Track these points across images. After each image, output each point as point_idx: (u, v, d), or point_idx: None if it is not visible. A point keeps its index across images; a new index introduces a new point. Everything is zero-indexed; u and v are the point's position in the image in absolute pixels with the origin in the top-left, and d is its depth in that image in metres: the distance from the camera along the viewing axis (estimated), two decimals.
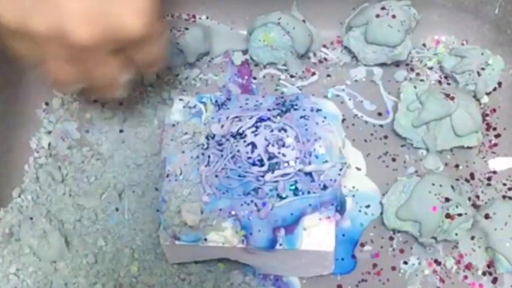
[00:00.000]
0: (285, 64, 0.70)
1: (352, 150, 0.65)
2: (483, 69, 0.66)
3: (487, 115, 0.67)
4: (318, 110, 0.60)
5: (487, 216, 0.58)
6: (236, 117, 0.59)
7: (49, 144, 0.66)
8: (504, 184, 0.63)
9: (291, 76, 0.70)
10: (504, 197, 0.62)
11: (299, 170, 0.55)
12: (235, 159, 0.56)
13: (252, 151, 0.56)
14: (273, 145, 0.56)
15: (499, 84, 0.68)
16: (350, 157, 0.61)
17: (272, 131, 0.57)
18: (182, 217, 0.54)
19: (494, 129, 0.67)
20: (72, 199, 0.63)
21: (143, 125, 0.66)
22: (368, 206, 0.62)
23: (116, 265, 0.59)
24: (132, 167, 0.64)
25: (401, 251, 0.60)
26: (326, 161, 0.56)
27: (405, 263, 0.59)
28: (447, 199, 0.57)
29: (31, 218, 0.60)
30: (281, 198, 0.55)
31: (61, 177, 0.64)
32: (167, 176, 0.57)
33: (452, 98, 0.62)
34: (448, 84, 0.69)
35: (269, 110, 0.59)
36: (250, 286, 0.58)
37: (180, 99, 0.62)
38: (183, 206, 0.54)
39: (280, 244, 0.54)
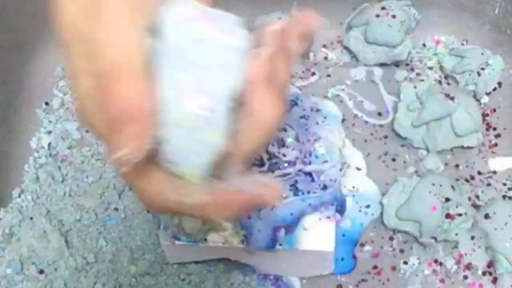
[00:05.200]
0: None
1: (352, 150, 0.65)
2: (483, 69, 0.66)
3: (487, 115, 0.67)
4: (318, 110, 0.60)
5: (487, 216, 0.58)
6: None
7: (49, 144, 0.66)
8: (504, 184, 0.63)
9: (291, 76, 0.70)
10: (504, 197, 0.62)
11: (299, 170, 0.55)
12: None
13: None
14: (273, 145, 0.56)
15: (499, 84, 0.68)
16: (350, 157, 0.61)
17: None
18: (182, 222, 0.53)
19: (494, 129, 0.66)
20: (72, 199, 0.62)
21: None
22: (368, 206, 0.62)
23: (116, 265, 0.59)
24: None
25: (401, 251, 0.60)
26: (326, 161, 0.56)
27: (405, 263, 0.59)
28: (447, 199, 0.57)
29: (31, 218, 0.60)
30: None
31: (61, 177, 0.64)
32: None
33: (452, 98, 0.62)
34: (448, 84, 0.69)
35: None
36: (250, 286, 0.58)
37: None
38: None
39: (280, 244, 0.54)
